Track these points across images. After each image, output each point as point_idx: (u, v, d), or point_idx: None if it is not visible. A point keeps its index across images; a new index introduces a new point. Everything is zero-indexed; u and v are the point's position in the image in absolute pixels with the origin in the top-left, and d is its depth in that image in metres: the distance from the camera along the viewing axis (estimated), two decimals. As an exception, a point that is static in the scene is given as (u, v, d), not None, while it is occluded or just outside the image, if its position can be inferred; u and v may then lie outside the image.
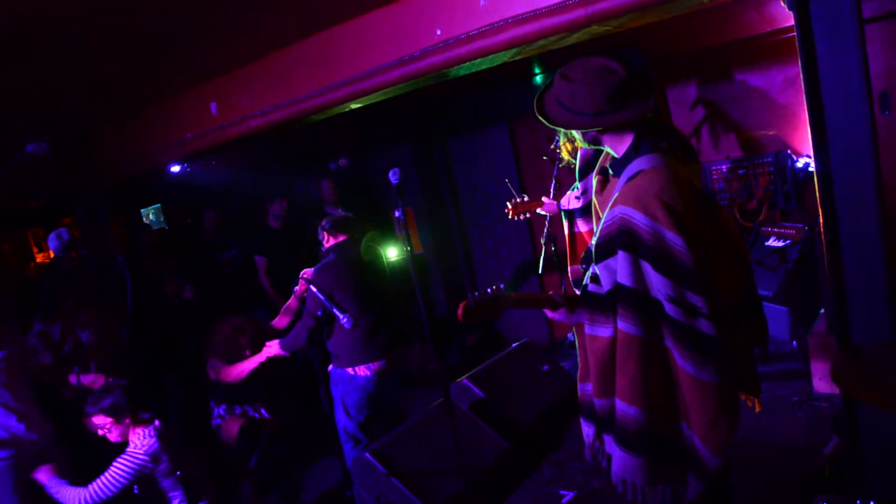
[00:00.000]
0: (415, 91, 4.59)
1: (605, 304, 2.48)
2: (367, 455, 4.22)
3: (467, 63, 3.94)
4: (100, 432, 3.90)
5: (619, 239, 2.42)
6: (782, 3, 3.18)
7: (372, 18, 4.14)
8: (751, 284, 2.72)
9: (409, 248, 3.98)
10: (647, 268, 2.38)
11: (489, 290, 2.62)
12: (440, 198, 8.14)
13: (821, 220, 3.19)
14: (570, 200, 4.20)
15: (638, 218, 2.38)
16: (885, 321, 3.07)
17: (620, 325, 2.43)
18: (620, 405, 2.46)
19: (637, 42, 5.75)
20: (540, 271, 5.46)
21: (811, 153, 3.21)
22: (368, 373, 4.47)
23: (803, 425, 4.62)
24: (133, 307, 4.76)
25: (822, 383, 4.91)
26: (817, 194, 3.17)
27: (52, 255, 9.44)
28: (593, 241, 2.60)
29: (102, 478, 3.73)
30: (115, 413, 3.83)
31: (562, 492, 4.45)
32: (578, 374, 2.72)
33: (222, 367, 4.62)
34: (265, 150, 7.35)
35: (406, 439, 4.48)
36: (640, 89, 2.58)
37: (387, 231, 7.02)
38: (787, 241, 5.52)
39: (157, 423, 3.90)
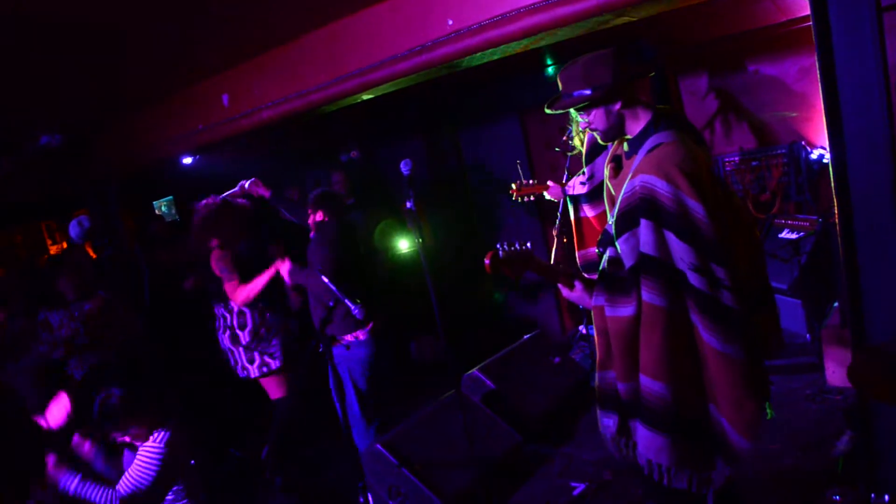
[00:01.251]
0: (426, 83, 4.58)
1: (626, 283, 2.46)
2: (379, 446, 4.23)
3: (479, 53, 3.92)
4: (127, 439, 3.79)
5: (641, 207, 2.41)
6: (798, -8, 3.15)
7: (382, 9, 4.12)
8: (764, 274, 2.70)
9: (420, 240, 3.98)
10: (671, 237, 2.38)
11: (518, 247, 2.63)
12: (451, 190, 8.11)
13: (836, 213, 3.16)
14: (576, 186, 4.18)
15: (660, 185, 2.38)
16: (901, 316, 3.05)
17: (645, 296, 2.41)
18: (646, 381, 2.43)
19: (649, 33, 5.71)
20: (552, 263, 5.44)
21: (826, 144, 3.17)
22: (364, 336, 4.50)
23: (816, 418, 4.59)
24: (150, 298, 4.76)
25: (835, 376, 4.88)
26: (832, 186, 3.14)
27: (65, 245, 9.52)
28: (612, 218, 2.59)
29: (131, 474, 3.47)
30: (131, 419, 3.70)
31: (573, 483, 4.45)
32: (598, 362, 2.68)
33: (235, 287, 4.65)
34: (277, 141, 7.36)
35: (417, 431, 4.49)
36: (636, 62, 2.62)
37: (398, 223, 7.01)
38: (801, 234, 5.48)
39: (169, 425, 3.76)
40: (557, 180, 5.34)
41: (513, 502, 4.44)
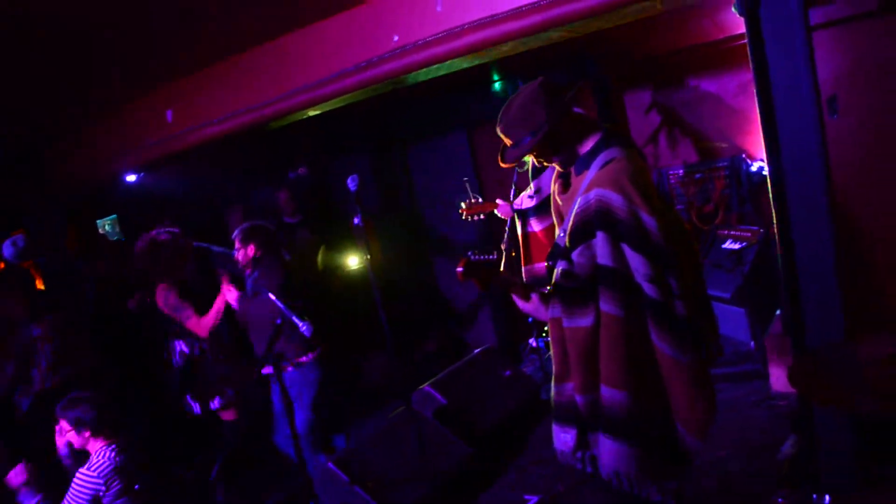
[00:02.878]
0: (374, 98, 4.58)
1: (583, 294, 2.49)
2: (331, 465, 4.18)
3: (425, 69, 3.95)
4: (64, 435, 3.82)
5: (596, 219, 2.45)
6: (734, 10, 3.24)
7: (329, 24, 4.12)
8: (703, 285, 2.77)
9: (368, 257, 3.97)
10: (626, 248, 2.42)
11: (489, 257, 2.64)
12: (400, 205, 8.11)
13: (774, 223, 3.25)
14: (524, 200, 4.22)
15: (615, 198, 2.43)
16: (837, 322, 3.14)
17: (603, 306, 2.44)
18: (607, 392, 2.45)
19: (593, 50, 5.81)
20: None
21: (764, 157, 3.27)
22: (312, 357, 4.49)
23: (762, 424, 4.68)
24: (95, 313, 4.64)
25: (779, 382, 4.98)
26: (770, 197, 3.23)
27: (1, 266, 9.21)
28: (560, 231, 2.62)
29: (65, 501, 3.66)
30: (77, 426, 3.75)
31: (526, 496, 4.45)
32: (554, 375, 2.68)
33: (196, 321, 4.65)
34: (222, 158, 7.26)
35: (369, 448, 4.46)
36: (564, 87, 2.66)
37: (347, 240, 6.97)
38: (744, 244, 5.60)
39: (117, 443, 3.78)
40: (506, 195, 5.39)
41: (465, 517, 4.44)
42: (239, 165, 7.86)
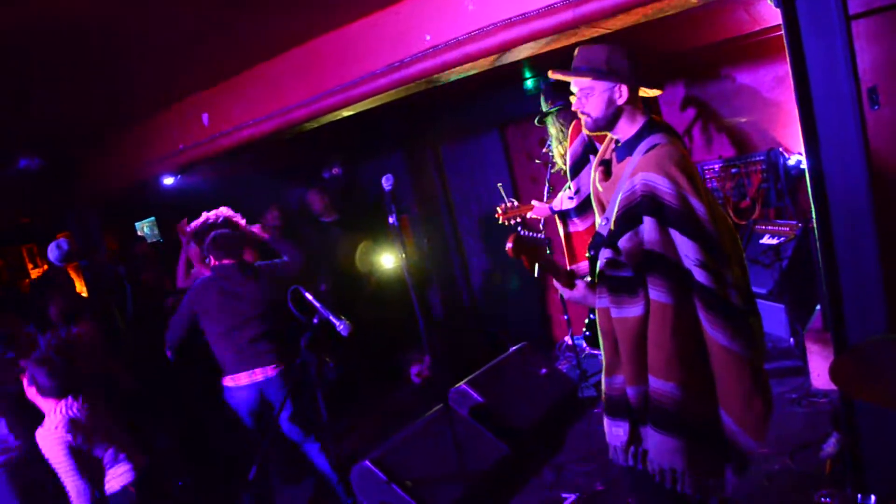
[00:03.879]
0: (406, 98, 4.60)
1: (631, 283, 2.45)
2: (368, 463, 4.20)
3: (457, 68, 3.94)
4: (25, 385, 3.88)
5: (643, 205, 2.42)
6: (769, 2, 3.20)
7: (361, 26, 4.14)
8: (748, 279, 2.72)
9: (404, 256, 3.98)
10: (675, 234, 2.39)
11: (538, 235, 2.62)
12: (434, 204, 8.13)
13: (813, 218, 3.19)
14: (563, 201, 4.20)
15: (662, 183, 2.40)
16: (879, 317, 3.07)
17: (653, 294, 2.40)
18: (656, 383, 2.41)
19: (626, 44, 5.75)
20: (535, 275, 5.45)
21: (803, 150, 3.21)
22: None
23: (803, 421, 4.62)
24: (134, 317, 4.73)
25: (820, 379, 4.91)
26: (809, 191, 3.17)
27: (45, 268, 9.42)
28: (602, 220, 2.59)
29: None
30: (37, 386, 3.78)
31: (563, 494, 4.44)
32: (605, 368, 2.64)
33: None
34: (259, 160, 7.35)
35: (406, 446, 4.48)
36: None
37: (381, 239, 7.01)
38: (782, 239, 5.52)
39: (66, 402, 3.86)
40: (539, 192, 5.37)
41: (503, 515, 4.44)
42: (274, 166, 7.94)
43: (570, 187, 4.11)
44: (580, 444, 5.05)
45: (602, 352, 2.65)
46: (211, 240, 4.68)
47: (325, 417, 3.59)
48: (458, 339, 7.68)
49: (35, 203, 6.36)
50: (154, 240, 8.45)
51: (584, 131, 2.74)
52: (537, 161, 5.55)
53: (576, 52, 2.64)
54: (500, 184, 5.73)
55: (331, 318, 3.37)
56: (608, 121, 2.59)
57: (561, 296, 6.03)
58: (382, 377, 7.18)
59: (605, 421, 2.66)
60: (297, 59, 4.47)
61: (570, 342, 6.70)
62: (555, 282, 2.65)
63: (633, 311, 2.45)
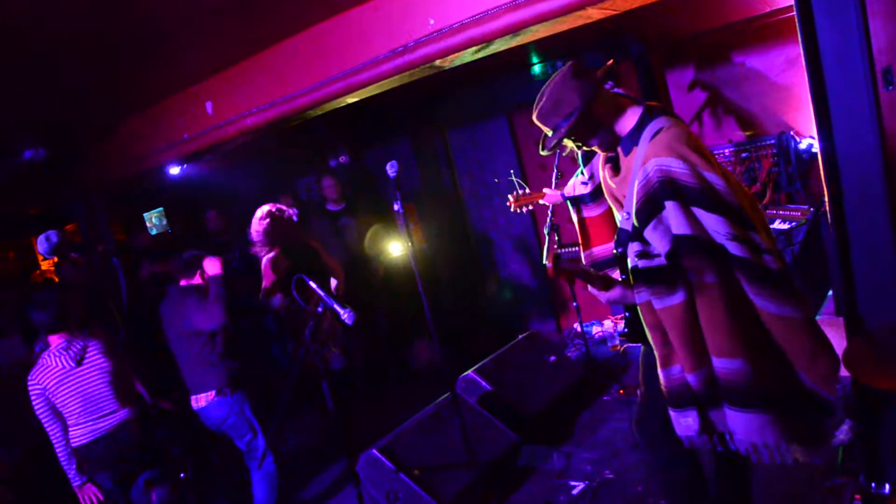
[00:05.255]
0: (412, 83, 4.54)
1: (667, 271, 2.42)
2: (375, 452, 4.19)
3: (462, 52, 3.89)
4: None
5: (662, 190, 2.39)
6: (780, -20, 3.13)
7: (364, 10, 4.09)
8: (776, 243, 2.67)
9: (410, 244, 3.94)
10: (700, 212, 2.36)
11: (574, 250, 2.60)
12: (442, 191, 8.09)
13: (826, 201, 3.13)
14: (576, 187, 4.14)
15: (676, 164, 2.38)
16: (893, 302, 3.01)
17: (693, 277, 2.37)
18: (722, 364, 2.38)
19: (633, 28, 5.69)
20: (545, 262, 5.40)
21: (814, 134, 3.15)
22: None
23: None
24: (128, 310, 4.70)
25: (832, 366, 4.84)
26: (822, 175, 3.11)
27: (55, 260, 9.45)
28: (621, 215, 2.56)
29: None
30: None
31: (572, 482, 4.41)
32: (659, 361, 2.58)
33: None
34: (265, 149, 7.32)
35: (413, 434, 4.46)
36: (595, 68, 2.63)
37: (390, 227, 6.98)
38: (793, 224, 5.45)
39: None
40: (548, 179, 5.31)
41: (512, 502, 4.40)
42: (281, 155, 7.91)
43: (583, 173, 4.06)
44: (589, 432, 5.01)
45: (653, 346, 2.59)
46: None
47: (331, 407, 3.56)
48: (466, 326, 7.65)
49: (42, 194, 6.35)
50: (163, 230, 8.45)
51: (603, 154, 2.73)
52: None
53: (533, 117, 2.66)
54: (511, 171, 5.69)
55: (335, 306, 3.33)
56: (608, 137, 2.62)
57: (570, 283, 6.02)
58: (390, 365, 7.16)
59: (672, 414, 2.58)
60: (300, 45, 4.42)
61: (578, 329, 6.66)
62: (591, 287, 2.62)
63: (676, 298, 2.41)
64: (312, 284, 3.42)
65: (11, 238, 9.55)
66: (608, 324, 6.78)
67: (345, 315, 3.30)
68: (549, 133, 2.65)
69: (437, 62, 3.94)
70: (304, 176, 8.16)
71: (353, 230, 6.94)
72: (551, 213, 5.50)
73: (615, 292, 2.60)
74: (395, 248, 6.01)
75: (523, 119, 7.53)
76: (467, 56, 4.05)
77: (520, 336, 5.74)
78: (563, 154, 5.03)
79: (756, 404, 2.36)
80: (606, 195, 2.86)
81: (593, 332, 6.61)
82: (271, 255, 5.01)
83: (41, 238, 5.59)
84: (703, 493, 2.98)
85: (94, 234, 6.25)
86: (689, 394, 2.50)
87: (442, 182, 8.10)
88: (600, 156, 2.96)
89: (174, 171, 6.05)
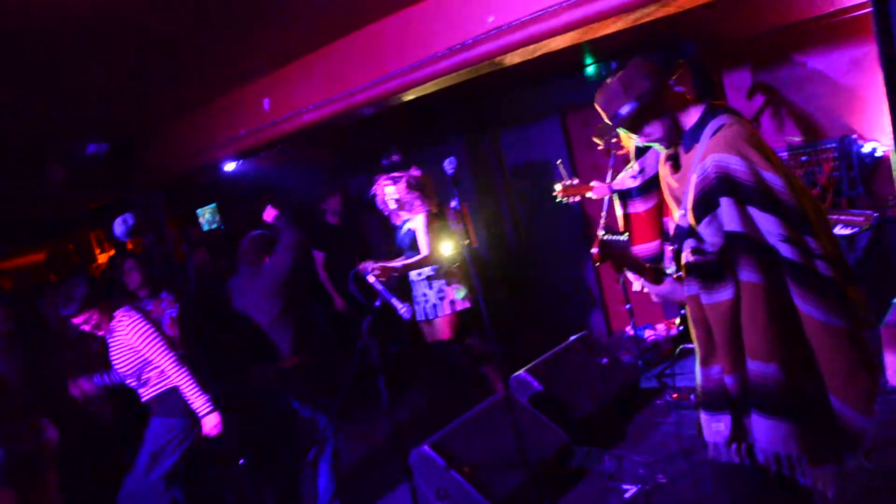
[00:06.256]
0: (466, 83, 4.55)
1: (717, 267, 2.38)
2: (427, 448, 4.19)
3: (521, 50, 3.88)
4: (85, 328, 4.06)
5: (718, 187, 2.36)
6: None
7: (422, 7, 4.11)
8: (839, 248, 2.59)
9: (467, 241, 3.95)
10: (754, 211, 2.32)
11: (620, 238, 2.59)
12: (493, 191, 8.07)
13: (893, 205, 3.04)
14: (625, 181, 4.10)
15: (734, 161, 2.34)
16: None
17: (741, 275, 2.33)
18: (756, 366, 2.32)
19: (690, 29, 5.61)
20: (597, 265, 5.36)
21: (880, 137, 3.06)
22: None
23: (879, 420, 4.42)
24: (196, 294, 4.80)
25: None
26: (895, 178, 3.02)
27: (112, 252, 9.66)
28: (685, 210, 2.53)
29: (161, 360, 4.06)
30: (91, 304, 3.98)
31: (624, 486, 4.36)
32: (699, 359, 2.53)
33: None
34: (318, 146, 7.39)
35: (465, 432, 4.45)
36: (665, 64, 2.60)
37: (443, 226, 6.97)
38: (856, 229, 5.31)
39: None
40: (601, 180, 5.27)
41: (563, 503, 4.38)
42: (333, 153, 7.98)
43: (633, 167, 4.02)
44: (641, 435, 4.95)
45: (695, 342, 2.54)
46: None
47: (385, 402, 3.57)
48: (515, 326, 7.62)
49: (102, 189, 6.50)
50: (216, 226, 8.58)
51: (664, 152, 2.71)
52: (599, 147, 5.43)
53: (596, 103, 2.63)
54: (559, 161, 5.65)
55: (393, 301, 3.35)
56: (673, 132, 2.59)
57: (622, 284, 5.96)
58: (441, 363, 7.16)
59: (703, 417, 2.52)
60: (358, 42, 4.45)
61: (630, 332, 6.58)
62: (641, 280, 2.60)
63: (724, 294, 2.37)
64: (371, 279, 3.44)
65: (71, 232, 9.82)
66: (661, 327, 6.69)
67: (403, 310, 3.31)
68: (608, 119, 2.63)
69: (496, 60, 3.93)
70: (356, 174, 8.21)
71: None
72: (605, 213, 5.46)
73: (665, 286, 2.59)
74: (447, 247, 6.01)
75: (576, 120, 7.48)
76: (525, 54, 4.04)
77: (572, 337, 5.69)
78: (619, 153, 5.01)
79: (784, 413, 2.30)
80: (666, 194, 2.82)
81: (645, 336, 6.52)
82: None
83: (118, 220, 5.74)
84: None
85: (152, 228, 6.37)
86: (726, 397, 2.44)
87: (493, 182, 8.08)
88: (655, 151, 2.94)
89: (229, 167, 6.14)
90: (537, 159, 7.68)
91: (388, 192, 5.37)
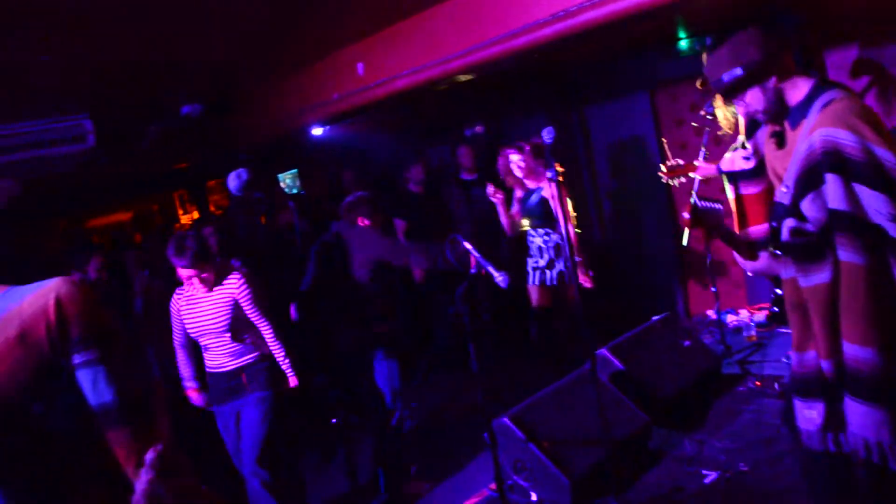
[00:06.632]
0: (553, 55, 4.45)
1: (818, 247, 2.30)
2: (506, 420, 4.17)
3: (623, 18, 3.77)
4: (191, 281, 4.08)
5: (824, 162, 2.26)
6: None
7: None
8: None
9: (574, 214, 3.87)
10: (862, 189, 2.22)
11: (714, 205, 2.55)
12: (576, 167, 7.94)
13: None
14: (736, 161, 3.96)
15: (844, 136, 2.24)
16: None
17: (842, 255, 2.24)
18: (852, 350, 2.23)
19: (790, 4, 5.39)
20: (685, 243, 5.22)
21: None
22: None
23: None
24: (302, 253, 4.87)
25: None
26: None
27: (195, 215, 9.90)
28: (787, 187, 2.44)
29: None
30: (205, 257, 4.01)
31: (704, 471, 4.27)
32: (794, 344, 2.47)
33: None
34: (401, 115, 7.39)
35: (545, 406, 4.41)
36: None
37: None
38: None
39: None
40: (688, 159, 5.12)
41: (640, 485, 4.30)
42: (415, 122, 7.98)
43: (744, 146, 3.88)
44: (723, 421, 4.83)
45: (791, 326, 2.47)
46: None
47: (475, 370, 3.55)
48: (593, 304, 7.52)
49: (195, 149, 6.63)
50: (295, 191, 8.71)
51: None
52: (694, 124, 5.27)
53: (705, 69, 2.55)
54: (664, 139, 5.54)
55: (490, 268, 3.32)
56: (775, 105, 2.49)
57: (708, 266, 5.81)
58: (515, 338, 7.13)
59: (796, 403, 2.46)
60: (456, 8, 4.41)
61: (712, 316, 6.44)
62: (735, 254, 2.54)
63: (822, 276, 2.28)
64: (468, 245, 3.42)
65: (157, 193, 10.11)
66: (744, 313, 6.51)
67: (500, 278, 3.28)
68: (713, 84, 2.55)
69: (599, 27, 3.84)
70: (437, 144, 8.20)
71: (487, 201, 6.91)
72: (695, 192, 5.31)
73: (761, 262, 2.53)
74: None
75: (666, 97, 7.28)
76: (627, 22, 3.93)
77: (654, 318, 5.58)
78: (721, 133, 4.85)
79: (879, 399, 2.20)
80: (768, 170, 2.72)
81: (727, 321, 6.36)
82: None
83: (233, 175, 5.86)
84: (854, 497, 2.81)
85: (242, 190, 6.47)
86: (820, 384, 2.36)
87: (577, 157, 7.95)
88: (766, 129, 2.83)
89: (316, 131, 6.20)
90: (624, 136, 7.52)
91: (514, 159, 5.48)
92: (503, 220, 5.73)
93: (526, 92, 7.59)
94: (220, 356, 4.19)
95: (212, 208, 9.84)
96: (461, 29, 4.36)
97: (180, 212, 10.53)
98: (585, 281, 5.35)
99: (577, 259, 5.48)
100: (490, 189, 5.44)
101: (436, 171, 7.56)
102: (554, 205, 5.33)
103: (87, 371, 1.68)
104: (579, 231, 5.68)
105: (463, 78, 4.83)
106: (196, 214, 9.93)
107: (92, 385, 1.68)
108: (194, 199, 10.12)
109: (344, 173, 7.41)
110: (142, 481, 1.67)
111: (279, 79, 5.63)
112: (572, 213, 3.86)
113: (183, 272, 3.95)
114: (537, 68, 5.39)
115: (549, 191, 5.42)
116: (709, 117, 5.07)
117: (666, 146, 5.26)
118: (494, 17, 4.19)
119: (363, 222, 4.74)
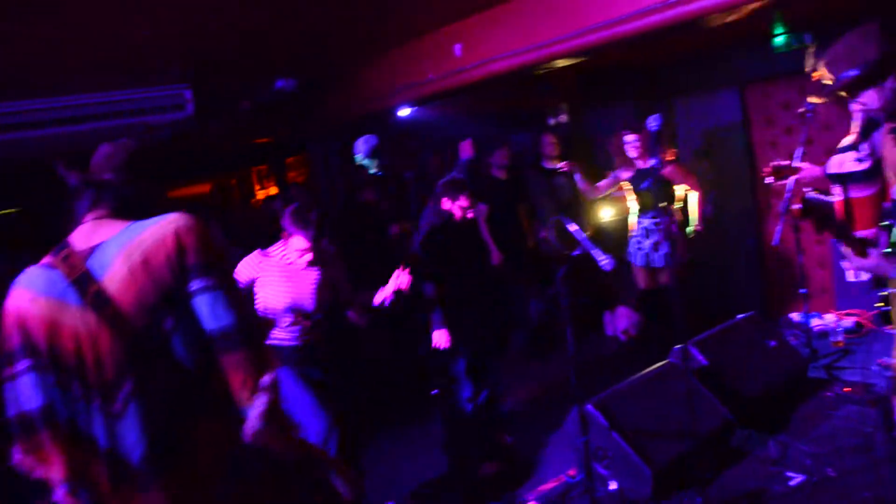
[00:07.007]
0: (647, 46, 4.37)
1: None
2: (590, 407, 4.16)
3: (719, 14, 3.69)
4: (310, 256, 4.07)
5: None
6: None
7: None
8: None
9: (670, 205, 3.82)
10: None
11: (826, 199, 2.52)
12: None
13: None
14: (845, 163, 3.84)
15: None
16: None
17: None
18: None
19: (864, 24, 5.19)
20: (775, 242, 5.09)
21: None
22: None
23: None
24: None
25: None
26: None
27: (271, 191, 10.06)
28: None
29: None
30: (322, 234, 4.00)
31: (789, 473, 4.19)
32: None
33: None
34: (485, 100, 7.39)
35: (628, 396, 4.40)
36: None
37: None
38: None
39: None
40: (779, 158, 4.98)
41: (721, 482, 4.24)
42: (498, 110, 7.96)
43: (855, 148, 3.76)
44: (808, 425, 4.73)
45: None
46: None
47: (571, 351, 3.54)
48: (669, 301, 7.41)
49: (286, 124, 6.72)
50: (373, 171, 8.77)
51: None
52: (799, 117, 5.10)
53: (822, 64, 2.52)
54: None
55: (594, 251, 3.31)
56: (893, 102, 2.46)
57: (800, 268, 5.68)
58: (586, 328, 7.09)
59: None
60: (558, -6, 4.36)
61: (796, 319, 6.30)
62: (843, 249, 2.49)
63: None
64: (572, 227, 3.41)
65: (241, 167, 10.30)
66: (829, 317, 6.34)
67: (604, 261, 3.26)
68: (828, 80, 2.50)
69: (714, 15, 3.75)
70: (520, 132, 8.16)
71: (568, 190, 6.88)
72: (789, 191, 5.17)
73: (870, 260, 2.47)
74: (607, 212, 5.89)
75: (756, 93, 7.13)
76: (721, 18, 3.84)
77: (739, 316, 5.48)
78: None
79: None
80: (885, 167, 2.65)
81: (812, 325, 6.20)
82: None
83: (360, 140, 5.97)
84: None
85: (327, 169, 6.57)
86: None
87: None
88: (882, 132, 2.75)
89: (404, 112, 6.22)
90: (712, 133, 7.38)
91: (629, 139, 5.65)
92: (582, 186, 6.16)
93: (610, 82, 7.51)
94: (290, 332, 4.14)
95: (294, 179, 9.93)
96: (563, 14, 4.31)
97: (256, 187, 10.70)
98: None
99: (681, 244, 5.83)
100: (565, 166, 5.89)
101: (518, 157, 7.53)
102: (676, 183, 5.66)
103: (206, 296, 1.76)
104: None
105: (560, 63, 4.78)
106: (274, 189, 10.08)
107: (211, 309, 1.76)
108: (273, 174, 10.26)
109: (427, 158, 7.45)
110: (260, 402, 1.73)
111: (374, 56, 5.66)
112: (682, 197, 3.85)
113: (298, 244, 3.95)
114: (629, 58, 5.34)
115: (673, 172, 5.63)
116: (808, 115, 4.92)
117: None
118: (597, 3, 4.13)
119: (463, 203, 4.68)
